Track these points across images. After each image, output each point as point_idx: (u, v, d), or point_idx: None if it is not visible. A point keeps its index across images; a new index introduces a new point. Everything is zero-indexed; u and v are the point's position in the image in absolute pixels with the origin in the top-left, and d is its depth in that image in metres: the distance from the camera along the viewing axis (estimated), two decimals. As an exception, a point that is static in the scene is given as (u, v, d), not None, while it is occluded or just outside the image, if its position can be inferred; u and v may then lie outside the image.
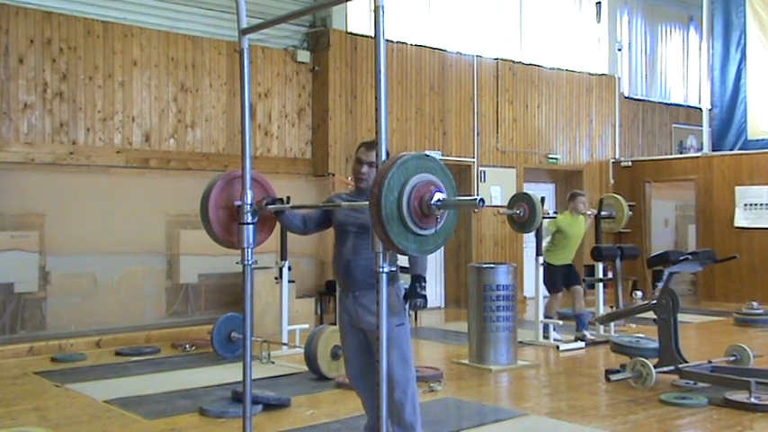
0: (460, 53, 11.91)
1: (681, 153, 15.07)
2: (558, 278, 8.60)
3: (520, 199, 7.94)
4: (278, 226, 4.02)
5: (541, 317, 8.40)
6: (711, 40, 13.68)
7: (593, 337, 8.41)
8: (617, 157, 14.11)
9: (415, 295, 3.96)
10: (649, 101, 15.19)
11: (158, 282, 9.39)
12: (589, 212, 8.98)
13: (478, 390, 6.37)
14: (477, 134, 12.02)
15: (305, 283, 10.14)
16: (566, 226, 8.60)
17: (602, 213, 9.00)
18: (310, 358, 6.59)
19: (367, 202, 2.94)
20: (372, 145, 3.85)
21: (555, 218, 8.84)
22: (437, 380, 6.43)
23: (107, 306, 8.88)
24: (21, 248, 8.34)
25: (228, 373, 6.71)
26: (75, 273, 8.70)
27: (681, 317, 6.63)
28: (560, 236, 8.60)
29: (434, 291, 11.93)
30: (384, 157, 2.98)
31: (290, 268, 8.02)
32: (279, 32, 10.18)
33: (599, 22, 14.08)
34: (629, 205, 13.61)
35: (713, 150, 13.21)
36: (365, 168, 3.92)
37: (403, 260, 3.81)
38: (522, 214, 7.77)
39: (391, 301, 3.80)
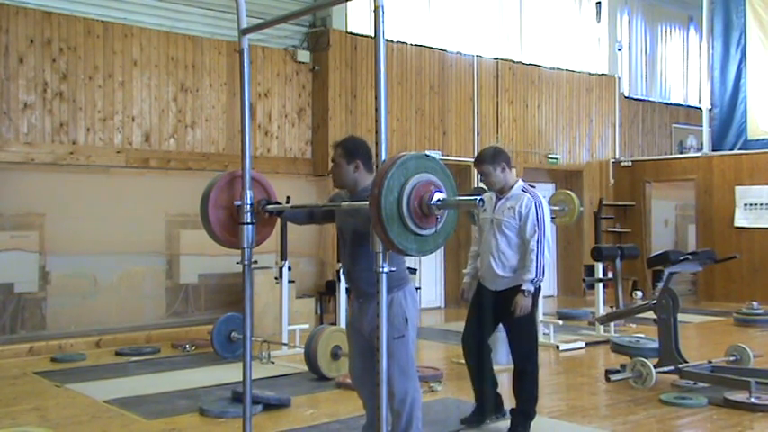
0: (460, 53, 11.91)
1: (681, 153, 15.07)
2: None
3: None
4: (278, 226, 4.04)
5: (541, 316, 8.39)
6: (711, 40, 13.68)
7: None
8: (617, 157, 14.12)
9: None
10: (649, 101, 15.19)
11: (158, 282, 9.40)
12: None
13: (478, 390, 6.36)
14: (477, 134, 12.02)
15: (305, 283, 10.14)
16: None
17: (555, 208, 9.01)
18: (310, 358, 6.59)
19: (361, 203, 2.92)
20: (336, 144, 3.99)
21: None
22: (437, 380, 6.42)
23: (107, 306, 8.89)
24: (21, 248, 8.34)
25: (228, 373, 6.70)
26: (75, 273, 8.70)
27: (681, 317, 6.62)
28: None
29: (434, 291, 11.94)
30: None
31: (290, 268, 8.02)
32: (279, 32, 10.18)
33: (599, 22, 14.08)
34: (627, 205, 13.72)
35: (713, 150, 13.21)
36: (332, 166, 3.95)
37: (410, 261, 3.78)
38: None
39: (392, 310, 3.74)
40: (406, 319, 3.82)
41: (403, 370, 3.80)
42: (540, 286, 4.80)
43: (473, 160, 5.05)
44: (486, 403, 5.06)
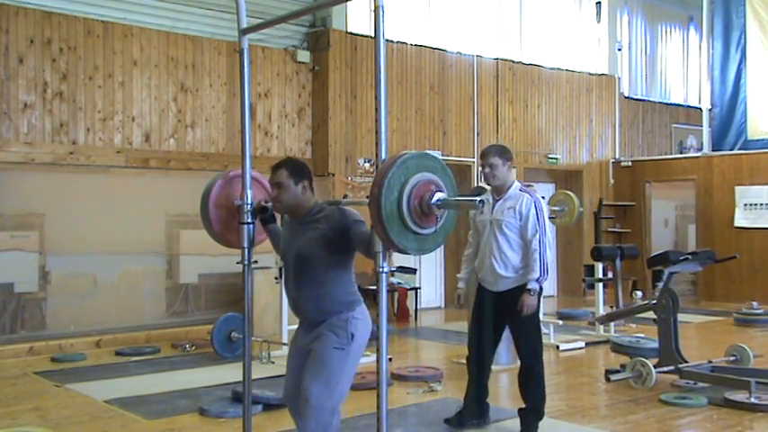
0: (460, 53, 11.91)
1: (681, 153, 15.07)
2: None
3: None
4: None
5: (541, 316, 8.38)
6: (711, 40, 13.68)
7: None
8: (617, 157, 14.12)
9: None
10: (649, 101, 15.19)
11: (158, 282, 9.40)
12: None
13: (478, 390, 6.36)
14: (477, 134, 12.02)
15: (305, 283, 10.12)
16: None
17: (555, 208, 8.98)
18: (310, 358, 6.58)
19: (360, 201, 2.88)
20: (275, 166, 3.60)
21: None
22: (437, 380, 6.43)
23: (107, 306, 8.89)
24: (21, 248, 8.34)
25: (228, 373, 6.70)
26: (75, 273, 8.71)
27: (681, 317, 6.63)
28: None
29: (435, 291, 11.93)
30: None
31: (290, 268, 8.00)
32: (279, 32, 10.18)
33: (599, 22, 14.08)
34: (627, 205, 13.71)
35: (713, 150, 13.22)
36: (274, 191, 3.60)
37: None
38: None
39: (338, 323, 3.54)
40: (352, 336, 3.54)
41: (327, 381, 3.46)
42: (542, 286, 4.80)
43: (480, 154, 4.93)
44: (473, 407, 5.07)
